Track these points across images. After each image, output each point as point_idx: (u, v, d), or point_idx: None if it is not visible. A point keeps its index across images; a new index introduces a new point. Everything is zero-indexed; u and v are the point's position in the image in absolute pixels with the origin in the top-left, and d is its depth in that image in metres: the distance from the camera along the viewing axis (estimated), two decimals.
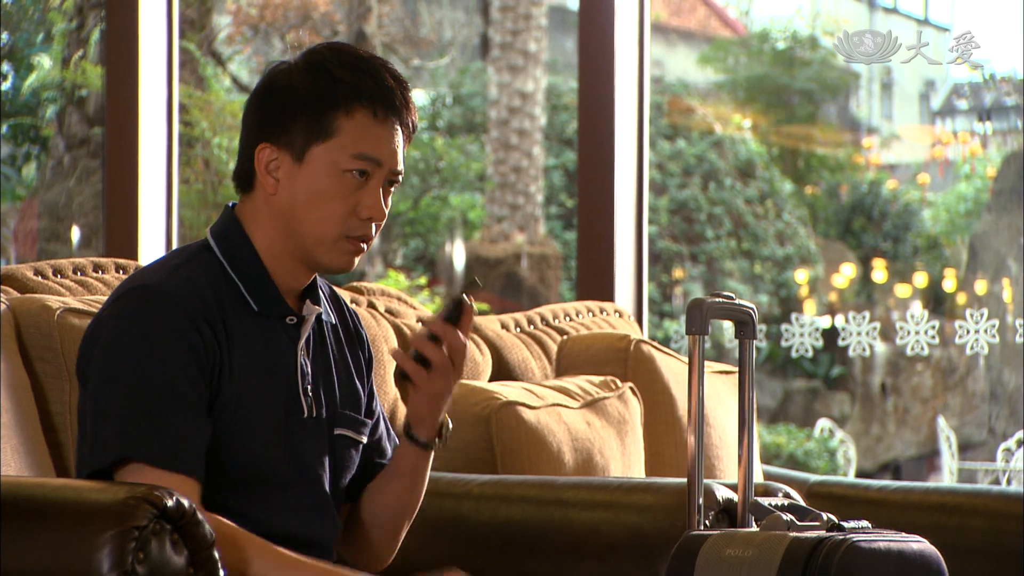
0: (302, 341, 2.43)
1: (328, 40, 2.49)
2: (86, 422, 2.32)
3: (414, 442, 2.49)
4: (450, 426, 2.51)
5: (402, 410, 3.24)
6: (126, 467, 2.26)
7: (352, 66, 2.38)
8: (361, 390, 2.53)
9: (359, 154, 2.36)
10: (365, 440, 2.52)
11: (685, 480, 2.54)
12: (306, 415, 2.43)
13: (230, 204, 2.46)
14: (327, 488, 2.44)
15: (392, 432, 2.62)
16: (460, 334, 2.40)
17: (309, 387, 2.44)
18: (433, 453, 2.51)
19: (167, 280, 2.34)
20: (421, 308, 3.58)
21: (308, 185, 2.37)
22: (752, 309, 2.60)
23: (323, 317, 2.48)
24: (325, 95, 2.36)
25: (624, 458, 3.40)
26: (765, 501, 2.44)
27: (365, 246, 2.40)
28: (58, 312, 2.77)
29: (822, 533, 2.29)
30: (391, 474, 2.53)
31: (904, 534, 2.35)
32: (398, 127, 2.40)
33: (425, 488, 2.54)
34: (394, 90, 2.39)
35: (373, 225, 2.39)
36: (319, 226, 2.37)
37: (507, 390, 3.31)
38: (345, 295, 3.20)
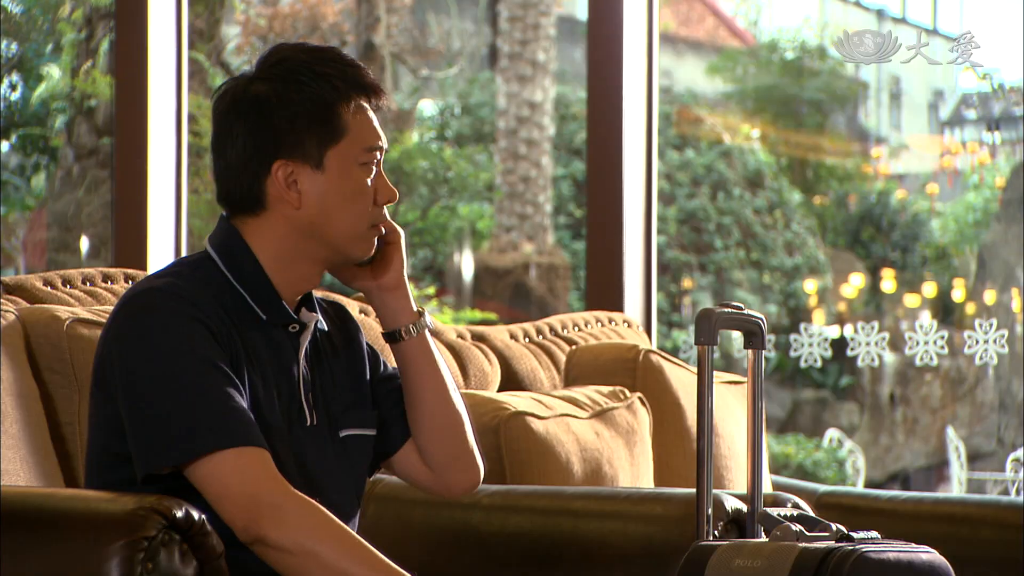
0: (303, 349, 2.45)
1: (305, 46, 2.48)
2: (129, 431, 2.30)
3: (394, 339, 2.52)
4: (427, 315, 2.54)
5: None
6: (196, 463, 2.26)
7: (331, 61, 2.41)
8: (364, 386, 2.54)
9: (369, 147, 2.41)
10: (374, 431, 2.53)
11: (694, 490, 2.54)
12: (309, 423, 2.44)
13: (225, 214, 2.46)
14: (335, 494, 2.45)
15: None
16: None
17: (311, 395, 2.45)
18: (426, 337, 2.52)
19: (171, 284, 2.35)
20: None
21: (336, 188, 2.39)
22: (761, 319, 2.60)
23: (318, 325, 2.49)
24: (327, 97, 2.38)
25: (633, 468, 3.40)
26: (774, 511, 2.44)
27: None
28: (67, 322, 2.77)
29: (831, 544, 2.29)
30: (407, 389, 2.54)
31: (914, 545, 2.35)
32: (378, 107, 2.46)
33: (449, 386, 2.54)
34: (367, 73, 2.44)
35: (386, 208, 2.45)
36: (352, 224, 2.41)
37: (516, 400, 3.31)
38: (353, 305, 3.20)
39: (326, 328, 2.52)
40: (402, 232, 2.51)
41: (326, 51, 2.43)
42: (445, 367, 2.56)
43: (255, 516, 2.24)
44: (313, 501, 2.27)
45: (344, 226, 2.40)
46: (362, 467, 2.51)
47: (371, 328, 3.03)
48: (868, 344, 5.27)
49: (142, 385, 2.28)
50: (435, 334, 3.45)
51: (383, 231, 2.46)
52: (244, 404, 2.30)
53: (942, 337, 5.17)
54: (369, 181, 2.41)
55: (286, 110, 2.38)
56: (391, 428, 2.56)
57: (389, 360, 2.60)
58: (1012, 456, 9.70)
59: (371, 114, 2.43)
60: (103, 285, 3.05)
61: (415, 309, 2.53)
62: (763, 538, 2.42)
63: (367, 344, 2.59)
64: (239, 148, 2.39)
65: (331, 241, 2.41)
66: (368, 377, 2.55)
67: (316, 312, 2.48)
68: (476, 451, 2.58)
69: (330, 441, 2.46)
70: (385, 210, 2.47)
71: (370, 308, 3.18)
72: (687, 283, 14.54)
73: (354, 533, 2.28)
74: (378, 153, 2.43)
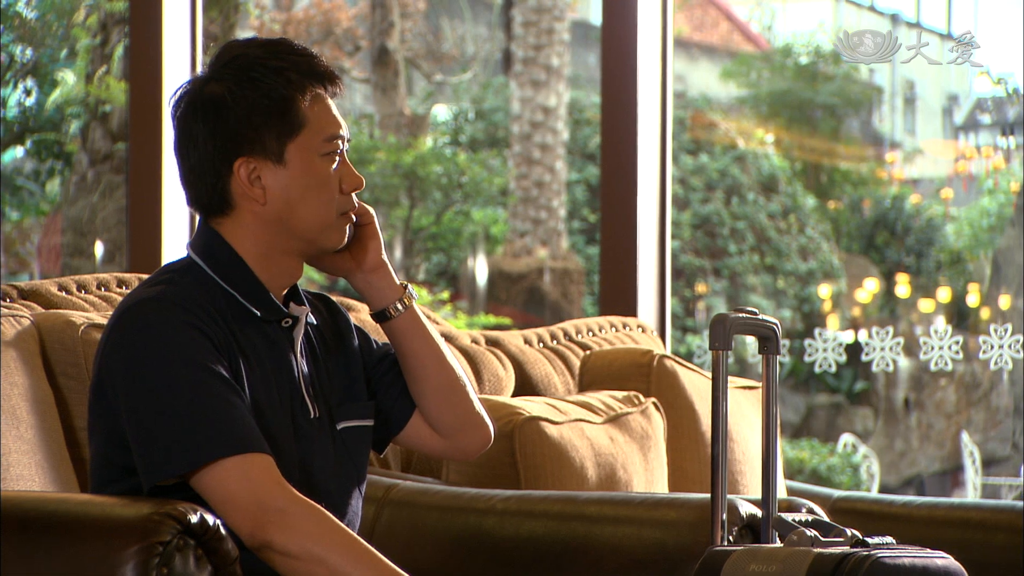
0: (299, 343, 2.46)
1: (270, 45, 2.48)
2: (132, 444, 2.31)
3: (384, 319, 2.54)
4: (412, 290, 2.56)
5: None
6: (200, 472, 2.27)
7: (284, 54, 2.42)
8: (358, 375, 2.55)
9: (329, 136, 2.42)
10: (372, 422, 2.54)
11: (708, 495, 2.54)
12: (312, 416, 2.45)
13: (201, 217, 2.47)
14: (338, 487, 2.46)
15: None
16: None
17: (311, 388, 2.46)
18: (415, 310, 2.55)
19: (164, 292, 2.36)
20: (444, 323, 3.58)
21: (298, 181, 2.40)
22: (775, 324, 2.60)
23: (308, 319, 2.51)
24: (282, 91, 2.39)
25: (647, 473, 3.40)
26: (789, 517, 2.44)
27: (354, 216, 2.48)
28: (82, 328, 2.78)
29: (846, 549, 2.29)
30: (405, 363, 2.57)
31: (928, 550, 2.34)
32: (335, 94, 2.47)
33: (445, 352, 2.57)
34: (321, 62, 2.45)
35: (354, 195, 2.46)
36: (318, 214, 2.41)
37: (530, 405, 3.31)
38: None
39: (316, 322, 2.54)
40: (373, 212, 2.53)
41: (279, 44, 2.44)
42: (437, 334, 2.59)
43: (261, 522, 2.24)
44: (319, 506, 2.28)
45: (311, 218, 2.41)
46: (362, 458, 2.53)
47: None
48: (882, 349, 5.26)
49: (143, 397, 2.28)
50: (449, 339, 3.45)
51: (354, 218, 2.47)
52: (245, 410, 2.31)
53: (957, 342, 5.16)
54: (333, 170, 2.42)
55: (242, 108, 2.38)
56: (395, 405, 2.59)
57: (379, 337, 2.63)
58: None
59: (330, 102, 2.44)
60: (118, 290, 3.06)
61: (398, 283, 2.56)
62: (778, 543, 2.42)
63: (355, 326, 2.61)
64: (200, 150, 2.40)
65: (301, 233, 2.42)
66: (362, 364, 2.57)
67: (304, 305, 2.49)
68: (482, 409, 2.62)
69: (331, 434, 2.48)
70: (354, 196, 2.48)
71: (352, 302, 3.20)
72: (701, 288, 14.52)
73: (360, 539, 2.28)
74: (340, 142, 2.43)
